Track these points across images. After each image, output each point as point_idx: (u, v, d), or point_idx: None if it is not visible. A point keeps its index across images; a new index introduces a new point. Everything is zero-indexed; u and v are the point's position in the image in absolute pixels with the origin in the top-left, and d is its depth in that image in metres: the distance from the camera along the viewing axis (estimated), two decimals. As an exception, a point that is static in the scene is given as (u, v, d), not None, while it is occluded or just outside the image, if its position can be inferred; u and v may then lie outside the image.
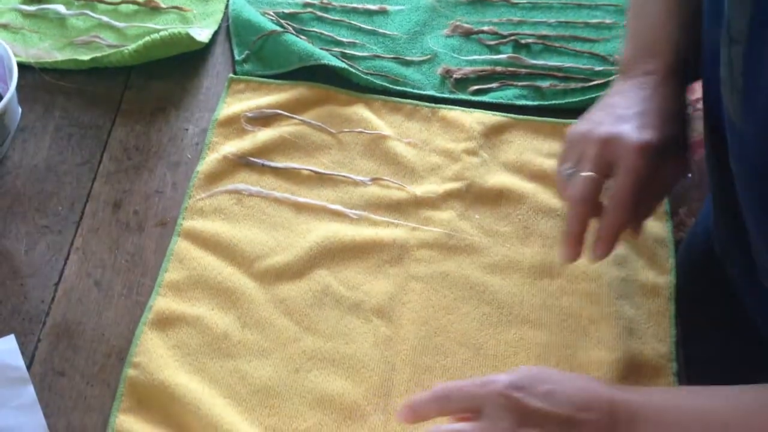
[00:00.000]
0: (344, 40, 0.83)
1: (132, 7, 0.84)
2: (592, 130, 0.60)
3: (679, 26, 0.63)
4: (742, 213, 0.57)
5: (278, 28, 0.81)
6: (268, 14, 0.84)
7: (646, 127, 0.58)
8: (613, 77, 0.81)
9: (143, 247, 0.68)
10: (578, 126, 0.62)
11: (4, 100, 0.67)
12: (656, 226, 0.73)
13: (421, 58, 0.84)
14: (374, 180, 0.74)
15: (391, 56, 0.83)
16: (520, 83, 0.82)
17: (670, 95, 0.61)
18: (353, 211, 0.72)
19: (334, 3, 0.86)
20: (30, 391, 0.59)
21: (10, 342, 0.61)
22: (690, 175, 0.72)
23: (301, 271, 0.68)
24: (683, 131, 0.61)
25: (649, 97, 0.60)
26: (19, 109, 0.71)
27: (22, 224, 0.69)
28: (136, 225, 0.70)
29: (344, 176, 0.74)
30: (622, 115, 0.60)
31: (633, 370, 0.64)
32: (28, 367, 0.61)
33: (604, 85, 0.81)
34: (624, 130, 0.58)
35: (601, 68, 0.83)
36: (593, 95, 0.80)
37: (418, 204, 0.73)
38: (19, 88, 0.68)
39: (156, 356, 0.62)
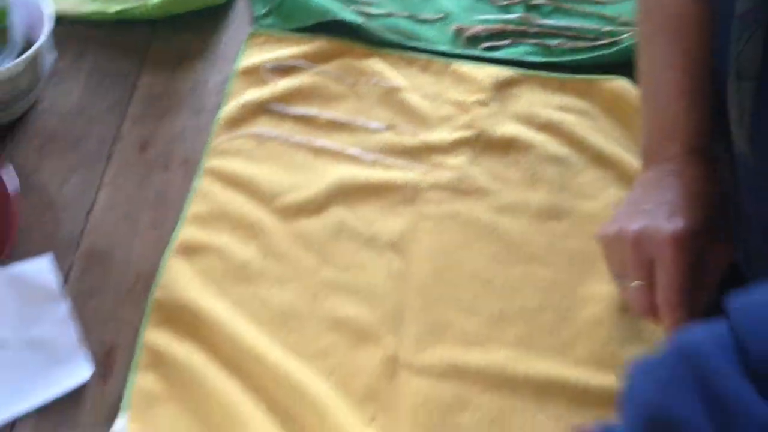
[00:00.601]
0: (360, -2, 0.87)
1: (157, -37, 0.87)
2: (621, 230, 0.56)
3: (693, 101, 0.58)
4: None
5: (298, -15, 0.85)
6: (288, -28, 0.87)
7: (675, 216, 0.53)
8: (620, 37, 0.85)
9: (168, 185, 0.72)
10: (608, 227, 0.58)
11: (38, 42, 0.70)
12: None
13: (434, 17, 0.87)
14: (389, 127, 0.78)
15: (405, 14, 0.86)
16: (530, 41, 0.85)
17: (696, 176, 0.56)
18: (368, 154, 0.75)
19: (351, -37, 0.89)
20: (64, 307, 0.63)
21: (46, 261, 0.64)
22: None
23: (319, 208, 0.71)
24: (720, 209, 0.56)
25: (673, 183, 0.56)
26: (52, 54, 0.74)
27: (55, 160, 0.72)
28: (162, 164, 0.73)
29: (360, 124, 0.78)
30: (648, 208, 0.56)
31: (634, 304, 0.68)
32: (62, 287, 0.64)
33: (611, 45, 0.85)
34: (652, 223, 0.54)
35: (608, 29, 0.86)
36: (600, 53, 0.83)
37: (430, 150, 0.77)
38: (52, 35, 0.72)
39: (182, 280, 0.66)
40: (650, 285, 0.55)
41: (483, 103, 0.80)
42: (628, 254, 0.55)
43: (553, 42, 0.85)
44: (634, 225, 0.55)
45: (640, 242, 0.54)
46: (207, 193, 0.71)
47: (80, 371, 0.61)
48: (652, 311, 0.55)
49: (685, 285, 0.53)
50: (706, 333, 0.41)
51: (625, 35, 0.85)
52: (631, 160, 0.75)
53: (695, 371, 0.39)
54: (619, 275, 0.59)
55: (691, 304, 0.54)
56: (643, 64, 0.64)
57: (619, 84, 0.80)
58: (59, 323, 0.62)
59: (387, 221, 0.72)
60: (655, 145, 0.60)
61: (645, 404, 0.41)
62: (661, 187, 0.57)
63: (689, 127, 0.58)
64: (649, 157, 0.61)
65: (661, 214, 0.54)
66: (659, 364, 0.42)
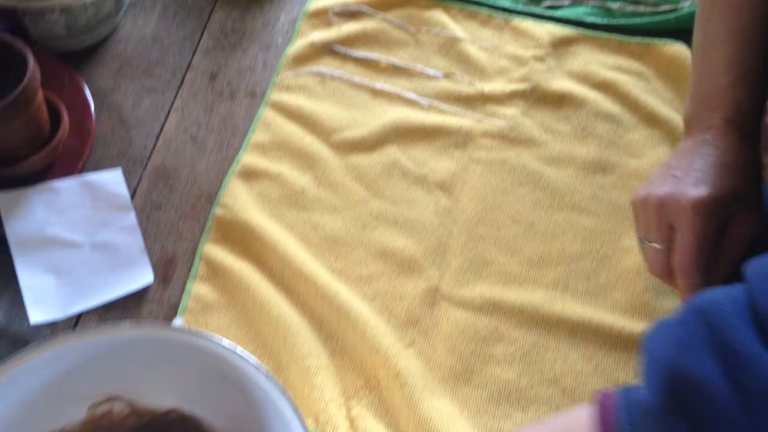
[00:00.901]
0: (428, -49, 0.89)
1: None
2: (649, 194, 0.58)
3: (739, 76, 0.59)
4: None
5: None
6: None
7: (701, 183, 0.54)
8: (680, 5, 0.85)
9: (234, 113, 0.76)
10: (639, 191, 0.60)
11: (123, -29, 0.75)
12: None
13: (498, -26, 0.89)
14: (446, 75, 0.80)
15: (471, -31, 0.88)
16: (590, 2, 0.87)
17: (731, 147, 0.57)
18: (425, 99, 0.78)
19: None
20: (132, 216, 0.68)
21: (117, 174, 0.69)
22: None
23: (374, 145, 0.75)
24: (751, 182, 0.56)
25: (707, 153, 0.57)
26: (133, -15, 0.79)
27: (130, 83, 0.77)
28: (229, 94, 0.77)
29: (419, 70, 0.81)
30: (678, 175, 0.57)
31: (672, 257, 0.69)
32: (131, 199, 0.69)
33: (671, 11, 0.85)
34: (678, 189, 0.55)
35: (670, -5, 0.87)
36: (660, 18, 0.84)
37: (484, 99, 0.79)
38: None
39: (241, 201, 0.70)
40: (670, 249, 0.57)
41: (540, 59, 0.82)
42: (651, 217, 0.57)
43: (614, 5, 0.87)
44: (661, 190, 0.56)
45: (663, 206, 0.56)
46: (270, 123, 0.75)
47: (143, 276, 0.65)
48: (668, 274, 0.57)
49: (702, 251, 0.54)
50: (723, 294, 0.42)
51: (686, 3, 0.86)
52: (682, 122, 0.77)
53: (711, 329, 0.41)
54: (644, 237, 0.61)
55: (709, 269, 0.55)
56: (698, 35, 0.64)
57: (676, 48, 0.81)
58: (126, 231, 0.67)
59: (438, 162, 0.74)
60: (696, 115, 0.61)
61: (663, 362, 0.43)
62: (694, 156, 0.58)
63: (732, 100, 0.58)
64: (689, 126, 0.62)
65: (688, 180, 0.55)
66: (677, 323, 0.44)
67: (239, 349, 0.52)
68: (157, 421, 0.55)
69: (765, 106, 0.58)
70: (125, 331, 0.52)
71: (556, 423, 0.50)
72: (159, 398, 0.55)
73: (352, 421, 0.60)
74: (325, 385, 0.61)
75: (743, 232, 0.56)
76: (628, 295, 0.67)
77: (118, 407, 0.55)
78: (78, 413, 0.54)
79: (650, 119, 0.78)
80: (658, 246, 0.57)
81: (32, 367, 0.51)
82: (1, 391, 0.50)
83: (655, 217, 0.56)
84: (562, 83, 0.80)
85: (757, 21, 0.60)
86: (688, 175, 0.56)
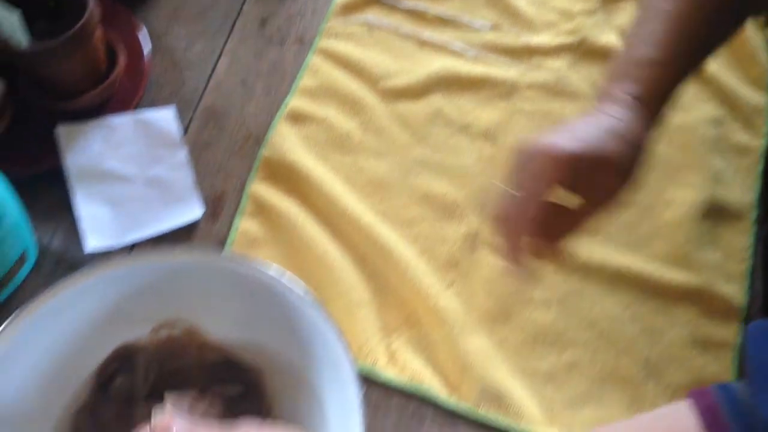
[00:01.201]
0: None
1: None
2: (527, 144, 0.54)
3: (664, 57, 0.56)
4: None
5: None
6: None
7: (576, 141, 0.52)
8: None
9: (283, 59, 0.78)
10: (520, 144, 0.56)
11: None
12: (755, 97, 0.77)
13: (549, -72, 0.88)
14: (493, 27, 0.81)
15: None
16: (642, -42, 0.86)
17: (626, 121, 0.54)
18: (471, 50, 0.79)
19: None
20: (183, 153, 0.70)
21: (169, 112, 0.71)
22: None
23: (420, 94, 0.76)
24: (633, 157, 0.54)
25: (601, 119, 0.54)
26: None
27: (183, 27, 0.79)
28: (279, 40, 0.79)
29: (466, 21, 0.81)
30: (563, 132, 0.53)
31: (715, 211, 0.70)
32: (182, 137, 0.71)
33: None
34: (553, 142, 0.52)
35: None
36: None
37: (531, 51, 0.79)
38: None
39: (288, 142, 0.71)
40: (513, 198, 0.54)
41: (589, 13, 0.82)
42: (519, 164, 0.54)
43: (666, -40, 0.86)
44: (539, 141, 0.53)
45: (532, 156, 0.53)
46: (318, 69, 0.77)
47: (193, 210, 0.67)
48: (507, 222, 0.54)
49: (547, 203, 0.52)
50: None
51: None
52: (731, 81, 0.76)
53: None
54: (508, 185, 0.56)
55: (551, 227, 0.54)
56: (638, 9, 0.61)
57: (728, 4, 0.80)
58: (178, 167, 0.69)
59: (482, 112, 0.75)
60: (608, 89, 0.57)
61: None
62: (589, 120, 0.55)
63: (648, 77, 0.56)
64: (598, 99, 0.58)
65: (567, 137, 0.53)
66: None
67: (286, 277, 0.54)
68: (227, 363, 0.58)
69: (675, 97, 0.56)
70: (178, 256, 0.54)
71: (654, 424, 0.49)
72: (212, 324, 0.57)
73: (392, 354, 0.62)
74: (367, 319, 0.63)
75: (599, 202, 0.55)
76: (668, 246, 0.68)
77: (177, 332, 0.57)
78: (140, 334, 0.57)
79: (699, 76, 0.77)
80: (514, 193, 0.54)
81: (89, 287, 0.54)
82: (61, 309, 0.53)
83: (522, 164, 0.53)
84: (610, 38, 0.80)
85: (699, 11, 0.57)
86: (571, 133, 0.53)
